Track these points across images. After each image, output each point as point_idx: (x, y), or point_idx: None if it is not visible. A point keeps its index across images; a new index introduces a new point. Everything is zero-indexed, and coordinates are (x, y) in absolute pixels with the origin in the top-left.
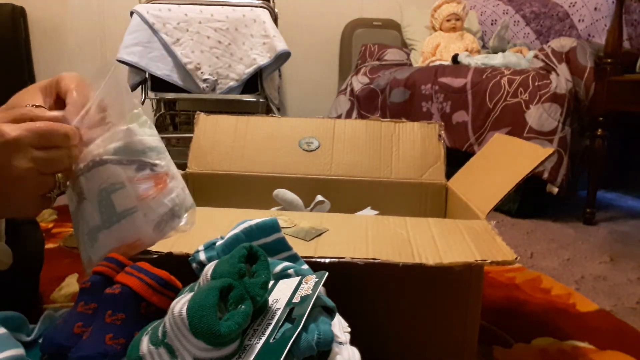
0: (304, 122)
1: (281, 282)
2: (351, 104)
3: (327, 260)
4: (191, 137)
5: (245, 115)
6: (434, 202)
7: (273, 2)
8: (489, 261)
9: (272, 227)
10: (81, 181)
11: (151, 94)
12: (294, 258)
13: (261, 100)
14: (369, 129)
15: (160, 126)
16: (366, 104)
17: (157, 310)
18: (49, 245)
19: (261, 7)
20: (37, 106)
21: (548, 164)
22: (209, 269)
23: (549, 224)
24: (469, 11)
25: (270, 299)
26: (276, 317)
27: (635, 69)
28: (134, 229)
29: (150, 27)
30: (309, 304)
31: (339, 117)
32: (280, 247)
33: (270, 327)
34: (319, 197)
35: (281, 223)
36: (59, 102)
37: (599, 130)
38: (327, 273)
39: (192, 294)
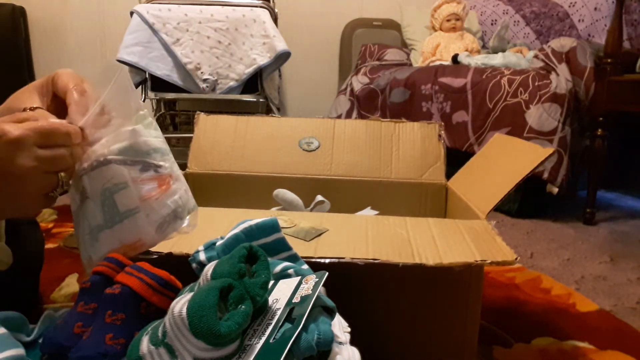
0: (304, 122)
1: (281, 282)
2: (351, 104)
3: (327, 261)
4: (191, 137)
5: (245, 115)
6: (434, 202)
7: (273, 2)
8: (489, 261)
9: (272, 227)
10: (84, 180)
11: (151, 94)
12: (294, 258)
13: (261, 100)
14: (369, 129)
15: (160, 126)
16: (366, 104)
17: (157, 310)
18: (49, 245)
19: (261, 7)
20: (35, 108)
21: (548, 164)
22: (209, 269)
23: (549, 224)
24: (469, 11)
25: (270, 299)
26: (276, 317)
27: (635, 69)
28: (136, 229)
29: (150, 27)
30: (309, 304)
31: (339, 117)
32: (280, 247)
33: (270, 327)
34: (319, 197)
35: (281, 223)
36: (56, 100)
37: (599, 130)
38: (327, 273)
39: (192, 294)
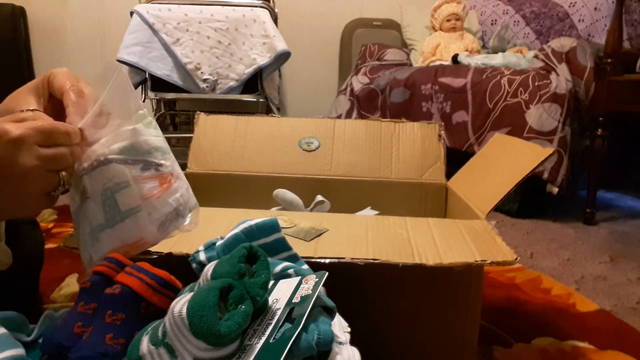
0: (304, 122)
1: (281, 282)
2: (351, 104)
3: (327, 261)
4: (191, 137)
5: (245, 115)
6: (434, 202)
7: (273, 2)
8: (489, 261)
9: (272, 227)
10: (85, 180)
11: (151, 94)
12: (294, 258)
13: (261, 100)
14: (369, 129)
15: (160, 126)
16: (366, 104)
17: (157, 310)
18: (49, 245)
19: (261, 7)
20: (32, 110)
21: (548, 164)
22: (209, 269)
23: (549, 224)
24: (469, 11)
25: (270, 299)
26: (276, 317)
27: (635, 69)
28: (137, 228)
29: (150, 27)
30: (309, 304)
31: (339, 117)
32: (280, 247)
33: (270, 327)
34: (319, 197)
35: (281, 223)
36: (53, 101)
37: (599, 130)
38: (327, 273)
39: (192, 294)
